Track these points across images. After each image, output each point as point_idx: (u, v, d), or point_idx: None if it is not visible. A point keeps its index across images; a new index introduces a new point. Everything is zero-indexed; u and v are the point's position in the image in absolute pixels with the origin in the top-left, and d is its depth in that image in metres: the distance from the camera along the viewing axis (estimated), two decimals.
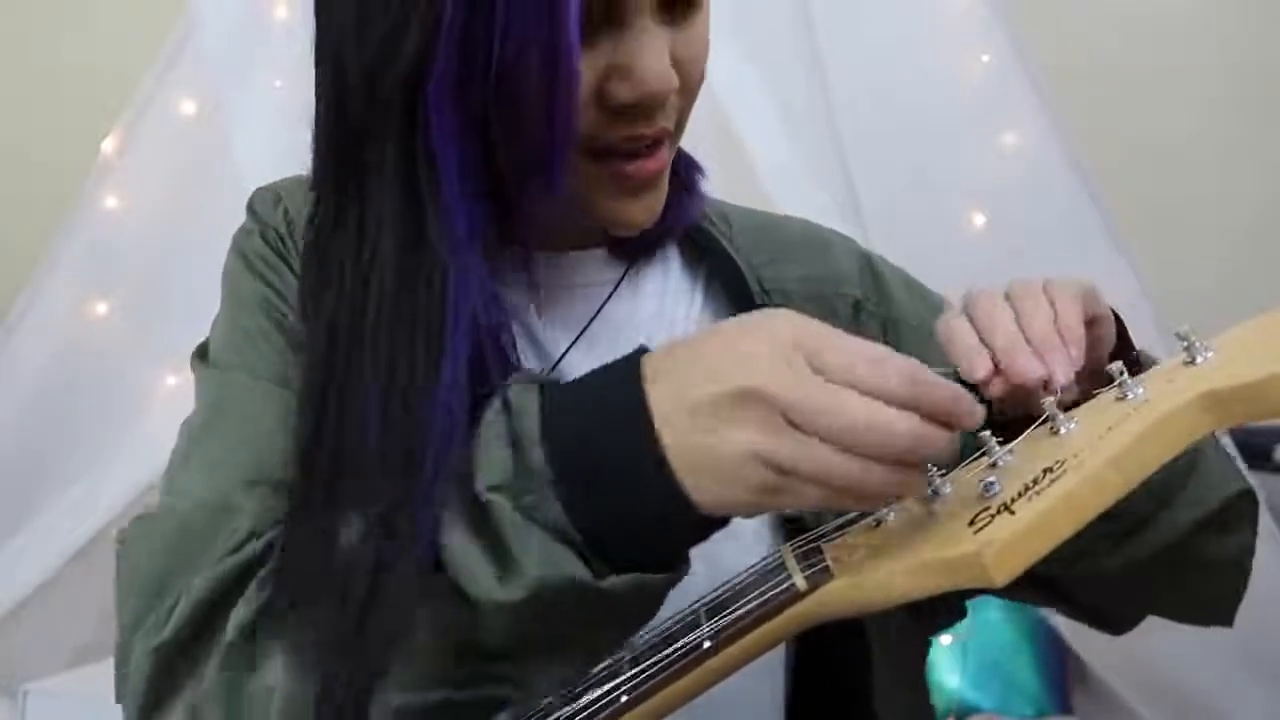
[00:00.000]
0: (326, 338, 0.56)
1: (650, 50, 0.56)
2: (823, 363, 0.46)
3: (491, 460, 0.50)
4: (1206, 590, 0.69)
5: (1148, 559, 0.63)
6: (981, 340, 0.53)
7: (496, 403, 0.52)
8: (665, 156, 0.61)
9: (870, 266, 0.76)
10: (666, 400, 0.48)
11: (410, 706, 0.49)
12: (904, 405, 0.45)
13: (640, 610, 0.51)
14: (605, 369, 0.51)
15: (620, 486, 0.48)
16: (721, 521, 0.50)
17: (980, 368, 0.52)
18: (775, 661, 0.64)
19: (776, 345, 0.47)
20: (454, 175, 0.55)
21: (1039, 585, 0.69)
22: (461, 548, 0.49)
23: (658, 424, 0.47)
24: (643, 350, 0.51)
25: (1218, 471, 0.65)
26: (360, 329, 0.55)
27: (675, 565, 0.50)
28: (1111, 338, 0.60)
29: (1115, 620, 0.74)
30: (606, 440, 0.48)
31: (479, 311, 0.56)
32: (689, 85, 0.60)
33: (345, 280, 0.57)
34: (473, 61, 0.53)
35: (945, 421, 0.45)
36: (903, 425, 0.44)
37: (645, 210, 0.62)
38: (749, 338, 0.48)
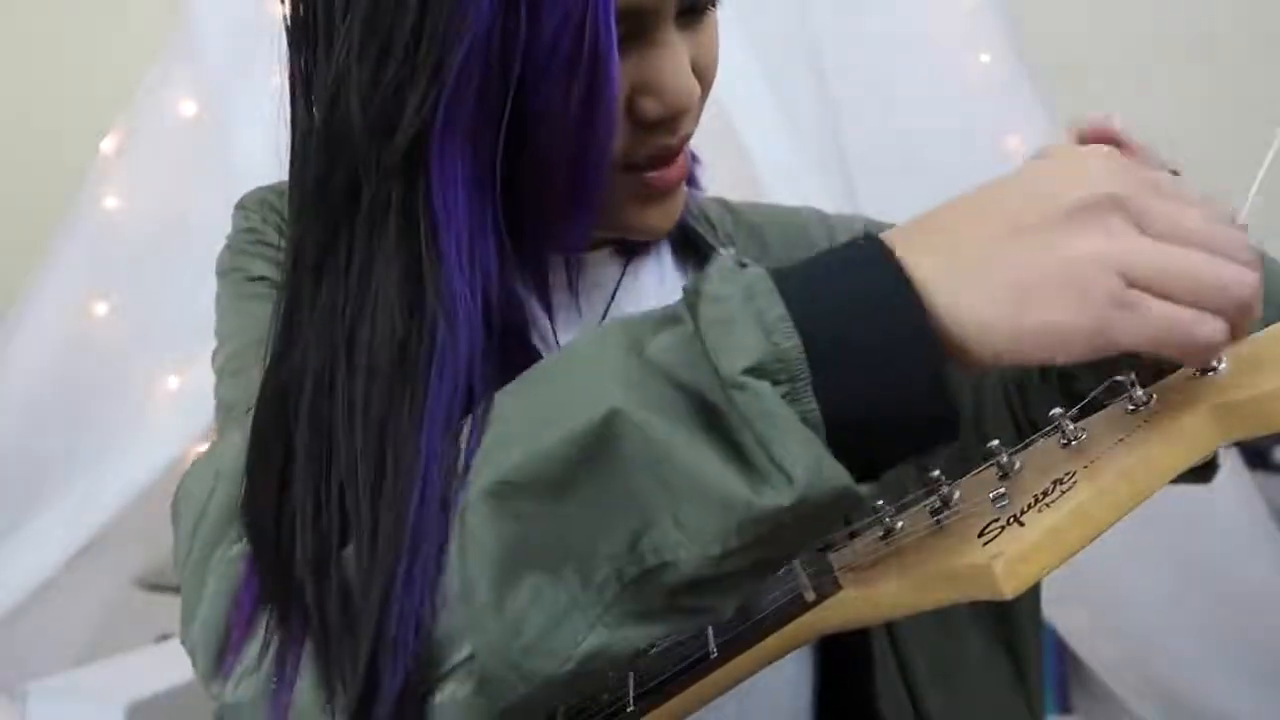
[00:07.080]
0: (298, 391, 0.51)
1: (677, 65, 0.56)
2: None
3: (736, 344, 0.40)
4: None
5: None
6: None
7: (712, 283, 0.43)
8: (685, 162, 0.61)
9: (833, 236, 0.76)
10: (942, 247, 0.42)
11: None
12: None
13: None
14: (829, 252, 0.44)
15: (885, 365, 0.40)
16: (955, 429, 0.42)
17: None
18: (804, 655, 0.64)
19: (1109, 162, 0.43)
20: (461, 234, 0.51)
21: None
22: (688, 450, 0.40)
23: (929, 287, 0.41)
24: (869, 235, 0.44)
25: None
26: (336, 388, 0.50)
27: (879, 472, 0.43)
28: None
29: None
30: (864, 313, 0.41)
31: (472, 373, 0.49)
32: (706, 87, 0.61)
33: (317, 342, 0.51)
34: (490, 94, 0.50)
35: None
36: (1241, 238, 0.41)
37: (667, 217, 0.62)
38: (1075, 161, 0.43)
